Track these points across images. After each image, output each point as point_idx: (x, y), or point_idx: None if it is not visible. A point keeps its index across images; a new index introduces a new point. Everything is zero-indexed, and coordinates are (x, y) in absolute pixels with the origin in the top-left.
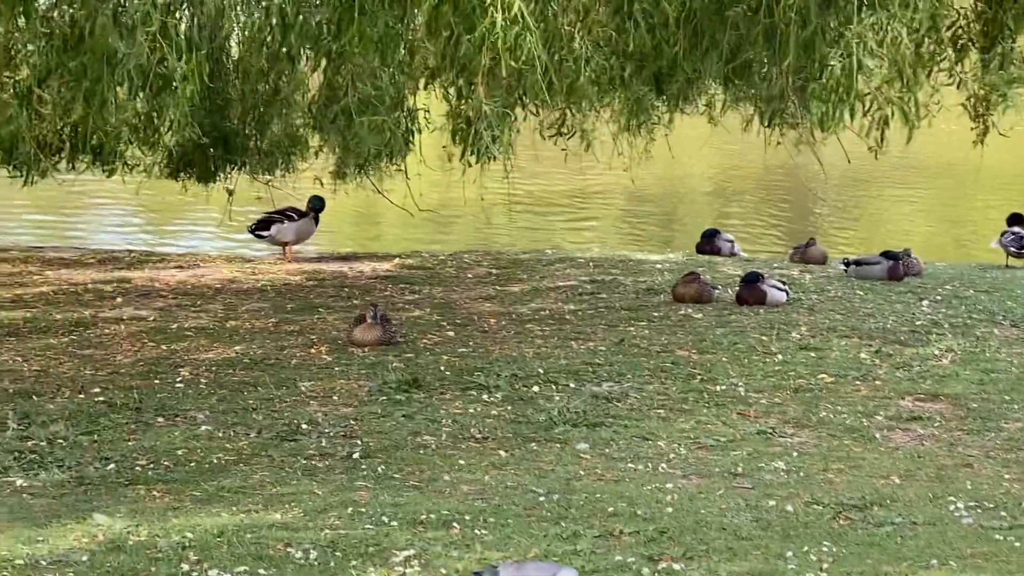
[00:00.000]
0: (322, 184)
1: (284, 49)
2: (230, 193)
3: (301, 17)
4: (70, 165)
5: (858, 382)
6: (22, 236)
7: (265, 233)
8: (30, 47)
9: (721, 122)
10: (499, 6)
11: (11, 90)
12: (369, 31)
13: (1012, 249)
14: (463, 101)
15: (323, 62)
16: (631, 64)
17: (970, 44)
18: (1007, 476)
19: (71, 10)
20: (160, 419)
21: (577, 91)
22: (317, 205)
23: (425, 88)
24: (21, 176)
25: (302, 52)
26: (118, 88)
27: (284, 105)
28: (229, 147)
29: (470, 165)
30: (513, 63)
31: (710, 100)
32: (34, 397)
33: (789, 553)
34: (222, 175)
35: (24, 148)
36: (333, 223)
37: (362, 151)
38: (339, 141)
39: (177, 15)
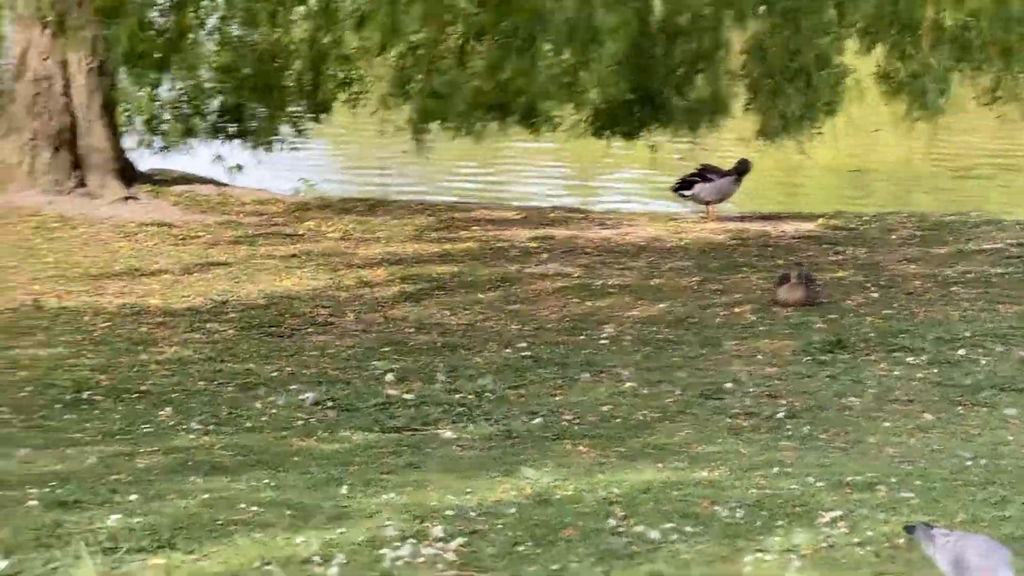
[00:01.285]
0: (747, 144)
1: (708, 11)
2: (653, 150)
3: None
4: (498, 124)
5: None
6: (450, 193)
7: (687, 192)
8: (462, 5)
9: None
10: None
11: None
12: None
13: None
14: (901, 58)
15: (750, 24)
16: None
17: None
18: None
19: None
20: (585, 375)
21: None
22: (743, 168)
23: (859, 46)
24: (460, 133)
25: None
26: (545, 45)
27: (709, 64)
28: (654, 105)
29: (915, 120)
30: (959, 16)
31: None
32: (461, 351)
33: None
34: (645, 133)
35: (458, 107)
36: (755, 183)
37: (790, 111)
38: (767, 100)
39: None
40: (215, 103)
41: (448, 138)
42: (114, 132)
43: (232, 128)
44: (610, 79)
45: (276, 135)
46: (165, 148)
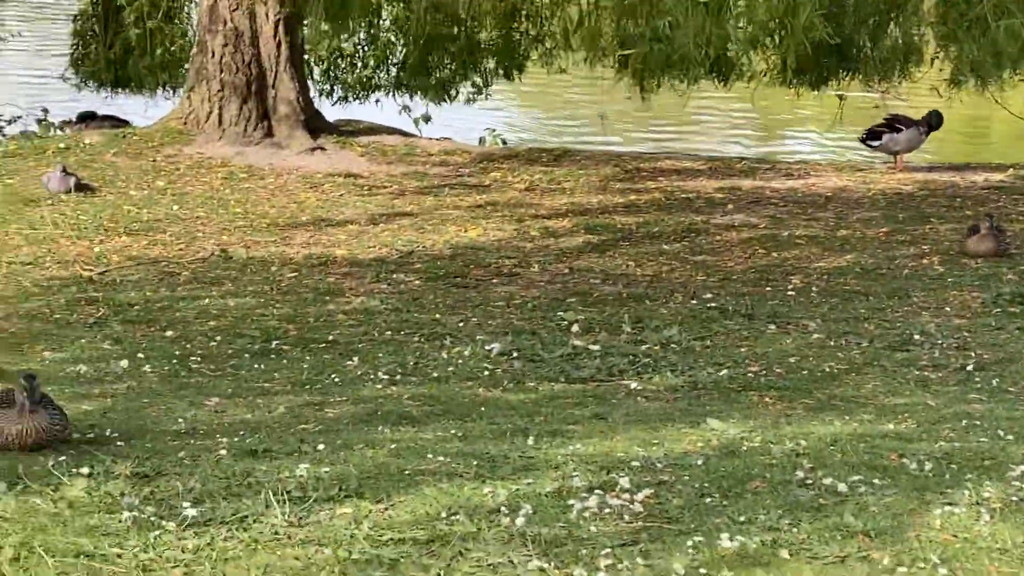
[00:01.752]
0: (939, 94)
1: None
2: (842, 100)
3: None
4: (685, 77)
5: None
6: (637, 144)
7: (875, 143)
8: None
9: None
10: None
11: None
12: None
13: None
14: None
15: None
16: None
17: None
18: None
19: None
20: (772, 326)
21: None
22: (934, 121)
23: None
24: (683, 81)
25: None
26: None
27: (902, 11)
28: (843, 54)
29: None
30: None
31: None
32: (647, 302)
33: None
34: (834, 82)
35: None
36: (944, 132)
37: (985, 60)
38: (965, 48)
39: None
40: (397, 56)
41: (655, 89)
42: (301, 83)
43: (414, 82)
44: (814, 25)
45: (456, 92)
46: (345, 99)
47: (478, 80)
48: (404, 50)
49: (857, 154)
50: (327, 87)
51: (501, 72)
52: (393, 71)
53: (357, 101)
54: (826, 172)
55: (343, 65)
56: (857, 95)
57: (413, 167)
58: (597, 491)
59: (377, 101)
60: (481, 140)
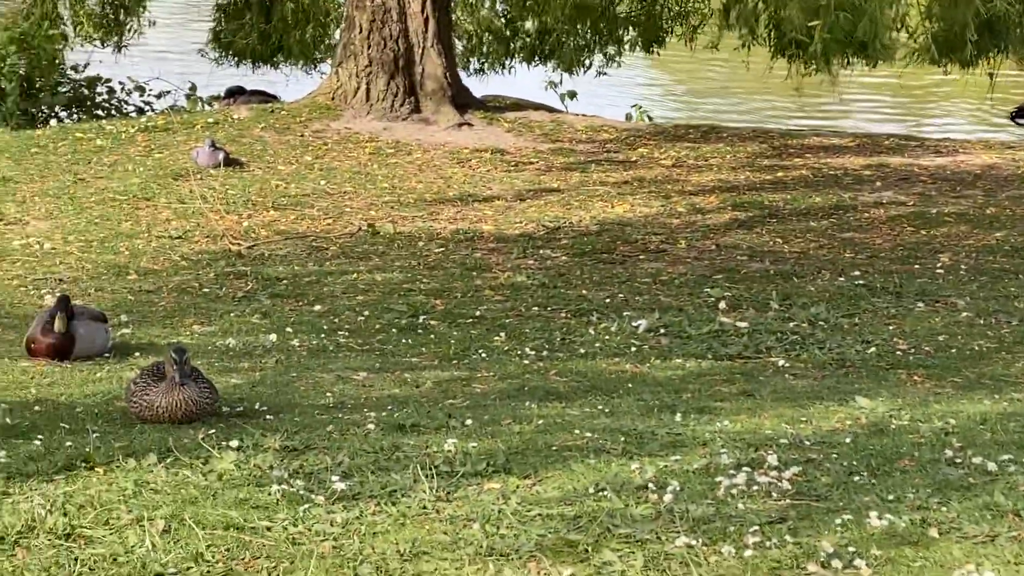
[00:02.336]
0: None
1: None
2: (991, 77)
3: None
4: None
5: None
6: (782, 121)
7: None
8: None
9: None
10: None
11: None
12: None
13: None
14: None
15: None
16: None
17: None
18: None
19: None
20: (920, 304)
21: None
22: None
23: None
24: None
25: None
26: None
27: None
28: (993, 31)
29: None
30: None
31: None
32: (794, 279)
33: None
34: (984, 60)
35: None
36: None
37: None
38: None
39: None
40: (530, 25)
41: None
42: (449, 59)
43: (549, 51)
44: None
45: (590, 64)
46: (482, 71)
47: (612, 51)
48: (540, 20)
49: (1007, 132)
50: (466, 59)
51: (639, 45)
52: (529, 40)
53: (495, 71)
54: (975, 150)
55: (483, 36)
56: (1009, 73)
57: (559, 143)
58: (745, 468)
59: (511, 70)
60: (628, 116)
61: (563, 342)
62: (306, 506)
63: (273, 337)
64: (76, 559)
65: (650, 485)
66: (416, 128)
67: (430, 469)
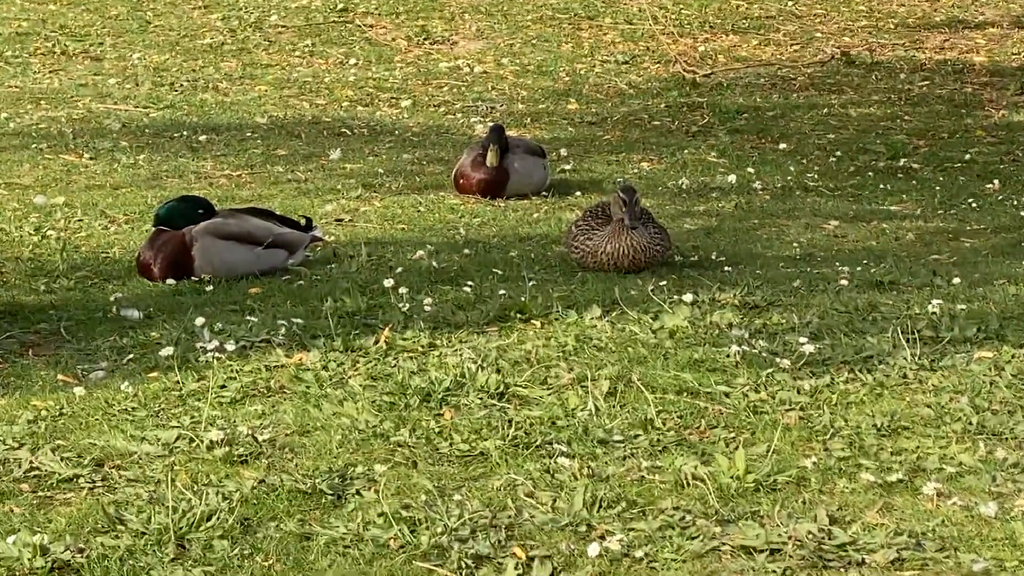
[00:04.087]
0: None
1: None
2: None
3: None
4: None
5: None
6: None
7: None
8: None
9: None
10: None
11: None
12: None
13: None
14: None
15: None
16: None
17: None
18: None
19: None
20: None
21: None
22: None
23: None
24: None
25: None
26: None
27: None
28: None
29: None
30: None
31: None
32: None
33: None
34: None
35: None
36: None
37: None
38: None
39: None
40: None
41: None
42: None
43: None
44: None
45: None
46: None
47: None
48: None
49: None
50: None
51: None
52: None
53: None
54: None
55: None
56: None
57: None
58: None
59: None
60: None
61: None
62: (769, 370)
63: (732, 178)
64: (510, 421)
65: None
66: None
67: (912, 333)
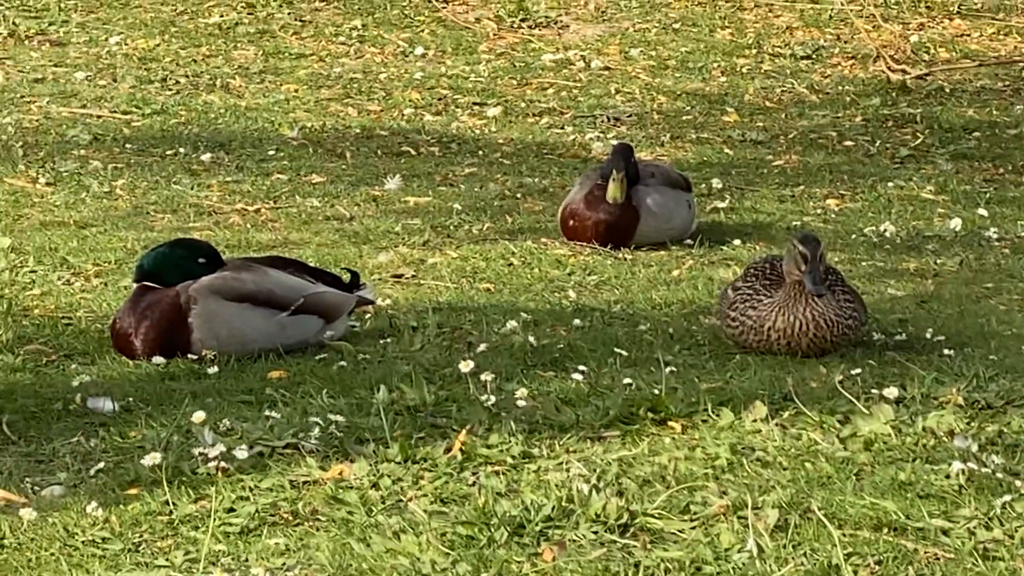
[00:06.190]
0: None
1: None
2: None
3: None
4: None
5: None
6: None
7: None
8: None
9: None
10: None
11: None
12: None
13: None
14: None
15: None
16: None
17: None
18: None
19: None
20: None
21: None
22: None
23: None
24: None
25: None
26: None
27: None
28: None
29: None
30: None
31: None
32: None
33: None
34: None
35: None
36: None
37: None
38: None
39: None
40: None
41: None
42: None
43: None
44: None
45: None
46: None
47: None
48: None
49: None
50: None
51: None
52: None
53: None
54: None
55: None
56: None
57: None
58: None
59: None
60: None
61: None
62: (1007, 498)
63: (956, 223)
64: (636, 564)
65: None
66: None
67: None
